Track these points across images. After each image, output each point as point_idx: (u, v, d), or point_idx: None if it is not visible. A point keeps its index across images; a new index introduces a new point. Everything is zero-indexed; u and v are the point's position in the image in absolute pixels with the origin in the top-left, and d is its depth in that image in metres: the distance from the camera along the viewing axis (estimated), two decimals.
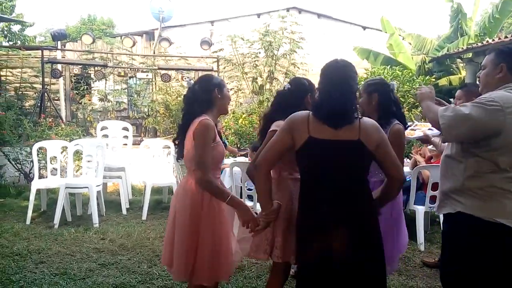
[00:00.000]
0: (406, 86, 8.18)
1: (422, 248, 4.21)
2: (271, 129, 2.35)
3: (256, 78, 10.16)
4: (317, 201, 2.04)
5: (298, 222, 2.13)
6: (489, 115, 2.00)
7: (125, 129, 6.60)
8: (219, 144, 2.37)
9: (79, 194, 5.41)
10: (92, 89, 11.37)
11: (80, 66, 9.74)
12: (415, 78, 8.84)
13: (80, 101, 10.68)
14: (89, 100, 11.33)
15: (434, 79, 9.56)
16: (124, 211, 5.56)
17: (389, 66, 9.43)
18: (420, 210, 4.25)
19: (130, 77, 11.18)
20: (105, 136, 6.45)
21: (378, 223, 2.08)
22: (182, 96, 2.50)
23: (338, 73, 2.02)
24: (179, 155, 2.48)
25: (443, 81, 9.92)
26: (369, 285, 2.00)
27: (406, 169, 4.45)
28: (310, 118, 2.01)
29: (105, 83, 10.84)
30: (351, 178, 2.03)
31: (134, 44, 9.86)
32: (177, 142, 2.50)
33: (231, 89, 10.77)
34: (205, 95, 2.37)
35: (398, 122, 2.49)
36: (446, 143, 2.35)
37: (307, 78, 2.59)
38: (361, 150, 1.97)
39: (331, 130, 1.97)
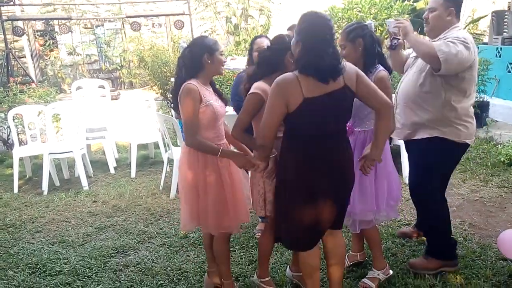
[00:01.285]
0: (384, 14, 7.97)
1: (407, 181, 4.34)
2: (250, 92, 2.30)
3: (230, 18, 9.77)
4: (312, 153, 2.10)
5: (288, 183, 2.19)
6: (469, 51, 2.41)
7: (102, 87, 6.38)
8: (208, 106, 2.36)
9: (64, 158, 5.33)
10: (58, 43, 10.82)
11: (43, 21, 9.17)
12: (393, 4, 8.59)
13: (48, 56, 10.20)
14: (57, 55, 10.82)
15: (412, 3, 9.32)
16: (112, 170, 5.51)
17: None
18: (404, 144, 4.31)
19: (97, 27, 10.63)
20: (81, 96, 6.26)
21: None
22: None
23: (322, 28, 1.99)
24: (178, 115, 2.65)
25: (420, 4, 9.63)
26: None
27: None
28: (300, 79, 1.98)
29: (72, 36, 10.29)
30: (340, 125, 2.15)
31: None
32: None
33: (205, 32, 10.36)
34: (194, 61, 2.37)
35: (383, 68, 2.45)
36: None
37: (288, 34, 2.47)
38: (349, 94, 2.07)
39: (322, 84, 1.98)
